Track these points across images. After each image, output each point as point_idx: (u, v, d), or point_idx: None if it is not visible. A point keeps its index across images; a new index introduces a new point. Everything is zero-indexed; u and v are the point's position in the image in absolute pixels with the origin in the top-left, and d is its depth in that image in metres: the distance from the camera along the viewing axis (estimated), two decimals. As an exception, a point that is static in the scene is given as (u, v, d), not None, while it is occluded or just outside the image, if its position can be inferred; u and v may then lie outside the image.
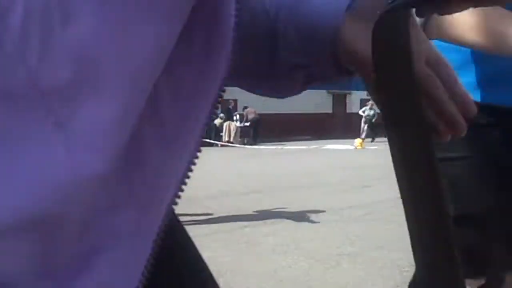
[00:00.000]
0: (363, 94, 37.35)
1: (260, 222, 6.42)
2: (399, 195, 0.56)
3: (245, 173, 11.68)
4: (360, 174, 11.07)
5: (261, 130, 26.65)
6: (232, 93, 30.75)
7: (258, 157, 16.19)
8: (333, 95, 35.39)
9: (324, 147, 20.70)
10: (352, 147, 20.39)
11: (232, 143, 23.76)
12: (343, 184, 9.52)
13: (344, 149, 19.81)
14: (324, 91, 34.15)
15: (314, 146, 20.77)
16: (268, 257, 4.80)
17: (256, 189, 9.23)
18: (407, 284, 3.11)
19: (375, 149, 19.01)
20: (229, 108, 26.95)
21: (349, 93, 36.27)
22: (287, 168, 12.94)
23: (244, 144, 24.13)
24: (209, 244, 4.94)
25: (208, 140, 22.84)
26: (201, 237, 5.10)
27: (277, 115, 29.42)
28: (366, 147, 20.23)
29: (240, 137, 25.07)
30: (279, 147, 21.87)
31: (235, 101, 28.13)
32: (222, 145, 23.19)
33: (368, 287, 3.92)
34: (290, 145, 23.61)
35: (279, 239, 5.42)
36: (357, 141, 20.83)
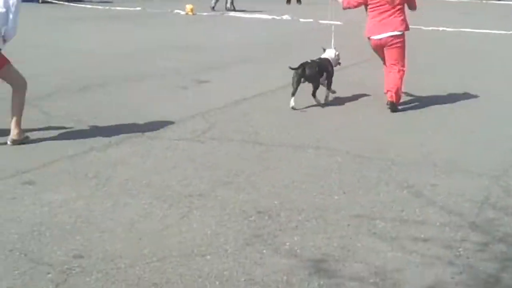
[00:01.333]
0: None
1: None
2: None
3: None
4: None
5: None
6: None
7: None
8: None
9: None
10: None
11: None
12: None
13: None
14: None
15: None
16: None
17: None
18: (257, 236, 3.37)
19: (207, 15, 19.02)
20: None
21: None
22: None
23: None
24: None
25: None
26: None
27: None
28: (198, 13, 19.65)
29: None
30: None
31: None
32: (42, 1, 21.56)
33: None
34: (117, 1, 22.27)
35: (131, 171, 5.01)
36: (188, 6, 19.65)
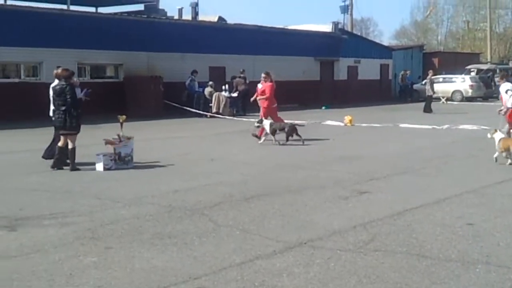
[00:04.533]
0: (351, 61, 36.10)
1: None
2: None
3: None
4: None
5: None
6: (221, 60, 28.32)
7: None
8: (321, 62, 34.47)
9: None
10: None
11: (221, 114, 23.52)
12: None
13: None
14: (312, 57, 33.50)
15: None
16: None
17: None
18: None
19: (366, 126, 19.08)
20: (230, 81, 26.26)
21: (337, 60, 35.46)
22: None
23: (233, 115, 23.92)
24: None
25: (198, 111, 23.43)
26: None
27: (265, 83, 28.70)
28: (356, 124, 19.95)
29: (229, 107, 24.51)
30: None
31: (223, 69, 27.39)
32: (211, 116, 23.33)
33: None
34: (279, 114, 23.09)
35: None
36: (347, 118, 20.38)
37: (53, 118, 11.20)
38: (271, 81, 15.97)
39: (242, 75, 26.71)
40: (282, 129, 14.77)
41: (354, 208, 7.81)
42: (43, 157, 11.79)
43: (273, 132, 14.74)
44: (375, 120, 21.18)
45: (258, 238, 6.39)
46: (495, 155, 11.18)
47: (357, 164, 11.59)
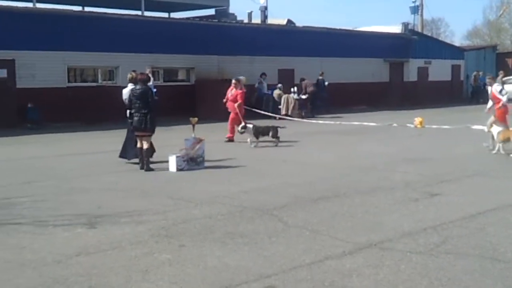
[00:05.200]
0: (421, 62, 35.26)
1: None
2: None
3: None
4: None
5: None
6: (290, 63, 29.12)
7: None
8: (390, 64, 33.82)
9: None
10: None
11: (290, 116, 23.59)
12: None
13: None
14: (381, 59, 32.96)
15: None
16: None
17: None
18: None
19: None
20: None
21: (407, 61, 34.67)
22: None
23: (302, 117, 23.83)
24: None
25: (267, 113, 22.89)
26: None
27: (334, 84, 28.40)
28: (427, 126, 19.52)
29: (298, 109, 24.58)
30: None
31: (292, 71, 27.55)
32: (280, 118, 23.00)
33: None
34: (348, 116, 24.16)
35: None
36: (417, 119, 20.02)
37: (131, 120, 11.55)
38: (241, 88, 16.58)
39: (320, 77, 27.44)
40: (266, 133, 15.22)
41: (425, 210, 7.74)
42: (120, 156, 12.22)
43: (257, 135, 15.13)
44: (446, 122, 20.73)
45: (328, 239, 6.45)
46: (496, 148, 12.77)
47: (428, 166, 11.42)
